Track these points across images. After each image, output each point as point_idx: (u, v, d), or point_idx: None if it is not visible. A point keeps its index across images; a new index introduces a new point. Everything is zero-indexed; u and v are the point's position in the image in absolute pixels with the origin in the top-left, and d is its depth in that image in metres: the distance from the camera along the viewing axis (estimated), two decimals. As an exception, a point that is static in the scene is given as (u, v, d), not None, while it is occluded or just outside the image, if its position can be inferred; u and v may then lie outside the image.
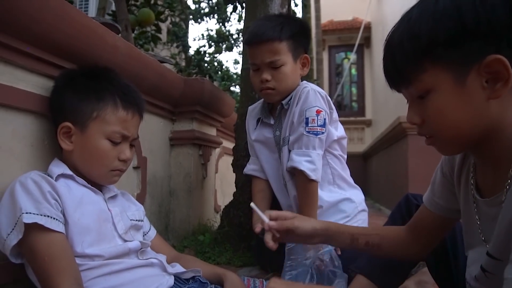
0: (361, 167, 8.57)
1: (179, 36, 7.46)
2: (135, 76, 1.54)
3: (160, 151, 1.98)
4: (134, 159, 1.70)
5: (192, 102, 2.05)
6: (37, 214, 0.88)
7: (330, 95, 9.67)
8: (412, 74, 0.73)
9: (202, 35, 9.33)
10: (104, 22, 1.68)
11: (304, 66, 1.55)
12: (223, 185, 2.87)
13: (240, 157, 1.94)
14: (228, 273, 1.14)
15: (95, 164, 1.06)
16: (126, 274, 0.97)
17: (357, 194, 1.61)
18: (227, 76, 8.23)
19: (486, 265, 0.73)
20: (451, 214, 0.94)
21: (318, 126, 1.44)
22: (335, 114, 1.55)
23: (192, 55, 7.92)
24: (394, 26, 0.75)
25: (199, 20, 8.96)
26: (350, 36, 10.06)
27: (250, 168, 1.70)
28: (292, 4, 4.83)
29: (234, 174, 2.02)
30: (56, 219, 0.90)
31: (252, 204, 0.99)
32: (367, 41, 10.09)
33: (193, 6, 9.00)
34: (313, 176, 1.42)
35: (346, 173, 1.60)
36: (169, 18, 6.82)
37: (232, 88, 8.71)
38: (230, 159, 2.09)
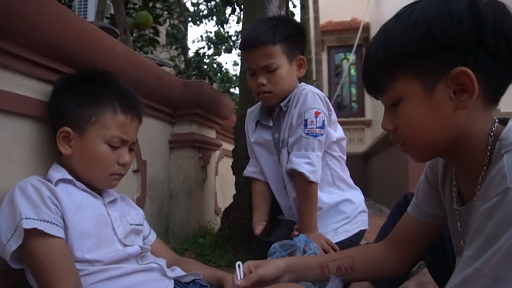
0: (361, 167, 8.57)
1: (178, 39, 7.46)
2: (134, 80, 1.54)
3: (159, 154, 1.98)
4: (134, 162, 1.70)
5: (191, 105, 2.06)
6: (37, 220, 0.88)
7: (330, 96, 9.70)
8: (384, 82, 0.77)
9: (201, 37, 9.32)
10: (102, 26, 1.68)
11: (301, 67, 1.55)
12: (223, 187, 2.87)
13: (240, 159, 1.94)
14: (228, 275, 1.14)
15: (95, 168, 1.06)
16: (125, 279, 0.97)
17: (357, 195, 1.61)
18: (226, 78, 8.22)
19: None
20: (436, 220, 0.95)
21: (317, 128, 1.44)
22: (334, 116, 1.55)
23: (191, 57, 7.91)
24: (373, 37, 0.80)
25: (198, 22, 8.95)
26: (349, 37, 10.06)
27: (249, 170, 1.70)
28: (290, 5, 4.85)
29: (234, 176, 2.02)
30: (56, 224, 0.90)
31: (237, 264, 0.97)
32: (366, 41, 10.08)
33: (191, 8, 8.99)
34: (312, 178, 1.42)
35: (345, 174, 1.60)
36: (167, 21, 6.82)
37: (231, 90, 8.70)
38: (230, 161, 2.09)
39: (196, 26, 9.03)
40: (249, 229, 1.71)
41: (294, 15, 4.94)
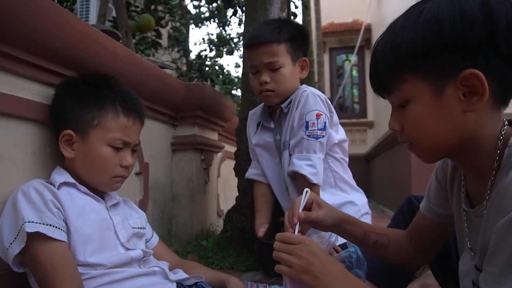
0: (363, 168, 8.55)
1: (180, 41, 7.48)
2: (136, 83, 1.54)
3: (162, 156, 1.98)
4: (136, 165, 1.70)
5: (193, 107, 2.06)
6: (39, 223, 0.88)
7: (332, 97, 9.70)
8: (392, 83, 0.75)
9: (203, 39, 9.33)
10: (104, 29, 1.69)
11: (303, 69, 1.56)
12: (225, 189, 2.87)
13: (242, 161, 1.94)
14: (231, 278, 1.14)
15: (97, 171, 1.06)
16: (128, 283, 0.97)
17: (360, 197, 1.60)
18: (228, 80, 8.23)
19: (476, 280, 0.73)
20: (448, 220, 0.94)
21: (318, 129, 1.43)
22: (335, 117, 1.55)
23: (193, 60, 7.93)
24: (381, 35, 0.77)
25: (199, 24, 8.98)
26: (351, 38, 10.05)
27: (251, 173, 1.70)
28: (292, 7, 4.85)
29: (237, 178, 2.01)
30: (59, 228, 0.90)
31: (305, 190, 0.97)
32: (367, 42, 10.09)
33: (193, 11, 9.02)
34: (314, 180, 1.41)
35: (348, 175, 1.60)
36: (169, 23, 6.84)
37: (233, 92, 8.71)
38: (232, 163, 2.09)
39: (198, 28, 9.05)
40: (252, 232, 1.70)
41: (296, 16, 4.94)
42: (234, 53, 9.06)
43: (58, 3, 3.65)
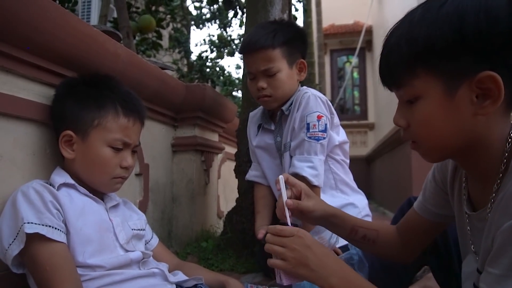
0: (364, 170, 8.55)
1: (181, 42, 7.48)
2: (137, 83, 1.54)
3: (162, 157, 1.98)
4: (136, 166, 1.69)
5: (194, 108, 2.06)
6: (39, 224, 0.88)
7: (332, 99, 9.70)
8: (403, 78, 0.72)
9: (204, 40, 9.30)
10: (105, 30, 1.69)
11: (301, 71, 1.55)
12: (226, 190, 2.87)
13: (243, 162, 1.94)
14: (231, 280, 1.14)
15: (97, 172, 1.06)
16: (127, 284, 0.97)
17: (360, 199, 1.60)
18: (229, 81, 8.23)
19: (477, 282, 0.72)
20: (444, 219, 0.94)
21: (319, 131, 1.43)
22: (336, 119, 1.55)
23: (194, 61, 7.93)
24: (396, 24, 0.74)
25: (200, 25, 8.98)
26: (352, 40, 10.06)
27: (252, 174, 1.70)
28: (293, 9, 4.85)
29: (237, 180, 2.01)
30: (58, 229, 0.90)
31: (280, 177, 0.96)
32: (368, 44, 10.09)
33: (194, 12, 9.03)
34: (315, 182, 1.41)
35: (349, 177, 1.60)
36: (170, 24, 6.84)
37: (234, 93, 8.71)
38: (232, 164, 2.09)
39: (199, 29, 9.06)
40: (252, 233, 1.70)
41: (296, 18, 4.94)
42: (235, 55, 9.05)
43: (60, 4, 3.65)
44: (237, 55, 9.23)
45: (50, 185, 0.99)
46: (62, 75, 1.16)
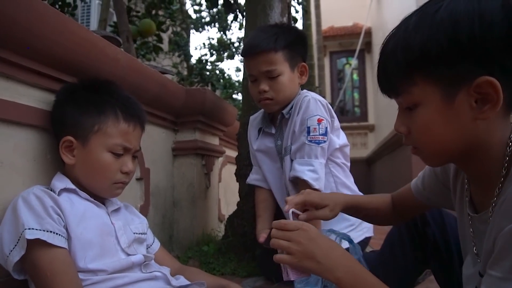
0: (365, 172, 8.55)
1: (181, 45, 7.49)
2: (137, 88, 1.54)
3: (163, 161, 1.98)
4: (137, 170, 1.69)
5: (194, 112, 2.06)
6: (40, 230, 0.87)
7: (332, 101, 9.70)
8: (401, 85, 0.72)
9: (204, 44, 9.36)
10: (105, 35, 1.69)
11: (302, 74, 1.55)
12: (226, 194, 2.86)
13: (243, 166, 1.94)
14: (232, 284, 1.13)
15: (98, 177, 1.06)
16: (129, 288, 0.97)
17: (361, 201, 1.59)
18: (229, 84, 8.24)
19: (479, 285, 0.73)
20: (438, 204, 0.98)
21: (319, 134, 1.43)
22: (336, 122, 1.55)
23: (194, 64, 7.95)
24: (392, 31, 0.73)
25: (200, 29, 9.01)
26: (351, 42, 10.08)
27: (252, 178, 1.70)
28: (293, 11, 4.86)
29: (238, 183, 2.01)
30: (59, 234, 0.90)
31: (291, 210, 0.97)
32: (368, 46, 10.11)
33: (194, 16, 9.06)
34: (316, 185, 1.41)
35: (349, 181, 1.59)
36: (170, 28, 6.86)
37: (234, 96, 8.73)
38: (233, 167, 2.09)
39: (199, 33, 9.07)
40: (253, 237, 1.70)
41: (296, 20, 4.95)
42: (235, 58, 9.08)
43: (59, 9, 3.66)
44: (237, 58, 9.26)
45: (51, 190, 0.99)
46: (62, 81, 1.17)
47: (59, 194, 0.98)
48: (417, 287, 1.28)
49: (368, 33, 9.61)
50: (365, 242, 1.54)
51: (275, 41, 1.45)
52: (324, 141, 1.44)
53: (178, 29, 7.63)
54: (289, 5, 2.13)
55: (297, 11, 5.33)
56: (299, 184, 1.46)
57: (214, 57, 9.00)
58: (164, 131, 2.00)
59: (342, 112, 10.77)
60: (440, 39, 0.65)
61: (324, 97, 1.59)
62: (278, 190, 1.61)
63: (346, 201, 1.07)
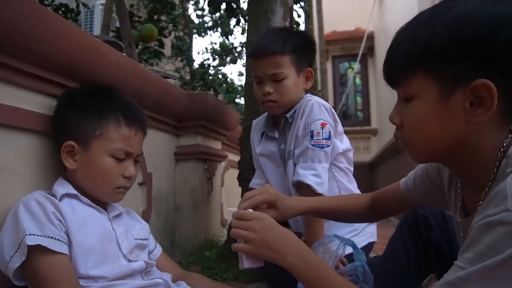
0: (368, 176, 8.52)
1: (183, 50, 7.51)
2: (139, 93, 1.54)
3: (165, 166, 1.97)
4: (139, 175, 1.69)
5: (196, 117, 2.05)
6: (41, 236, 0.87)
7: (335, 105, 9.69)
8: (402, 75, 0.73)
9: (206, 48, 9.35)
10: (107, 40, 1.69)
11: (308, 79, 1.55)
12: (229, 198, 2.85)
13: (246, 170, 1.93)
14: (234, 291, 1.12)
15: (99, 182, 1.05)
16: (130, 295, 0.96)
17: (364, 206, 1.58)
18: (231, 89, 8.26)
19: None
20: (425, 203, 0.98)
21: (323, 139, 1.42)
22: (340, 127, 1.54)
23: (196, 69, 7.97)
24: (405, 24, 0.75)
25: (202, 34, 9.03)
26: (353, 46, 10.08)
27: (255, 183, 1.68)
28: (295, 15, 4.86)
29: (240, 188, 2.00)
30: (60, 240, 0.89)
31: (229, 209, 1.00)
32: (370, 50, 10.11)
33: (196, 20, 9.09)
34: (319, 189, 1.40)
35: (353, 186, 1.58)
36: (172, 33, 6.88)
37: (237, 100, 8.74)
38: (236, 172, 2.08)
39: (201, 37, 9.10)
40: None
41: (299, 25, 4.95)
42: (237, 62, 9.09)
43: (63, 15, 3.68)
44: (240, 62, 9.27)
45: (52, 195, 0.98)
46: (63, 86, 1.16)
47: (60, 200, 0.98)
48: (422, 293, 1.27)
49: (371, 37, 9.61)
50: (368, 247, 1.53)
51: (284, 44, 1.44)
52: (328, 146, 1.44)
53: (181, 34, 7.65)
54: (291, 10, 2.13)
55: (299, 16, 5.33)
56: (302, 188, 1.45)
57: (217, 61, 9.02)
58: (166, 135, 1.99)
59: (345, 116, 10.76)
60: (446, 35, 0.65)
61: (326, 101, 1.59)
62: (281, 194, 1.59)
63: (310, 206, 1.10)
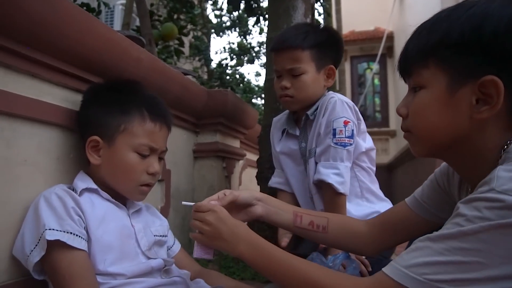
0: (386, 178, 8.41)
1: (201, 50, 7.55)
2: (159, 89, 1.53)
3: (183, 163, 1.97)
4: (158, 172, 1.69)
5: (215, 114, 2.04)
6: (60, 231, 0.86)
7: (353, 106, 9.60)
8: (415, 65, 0.74)
9: (224, 48, 9.37)
10: (128, 35, 1.69)
11: (329, 77, 1.51)
12: (246, 197, 2.83)
13: (264, 169, 1.91)
14: (253, 290, 1.10)
15: (123, 178, 1.04)
16: (148, 292, 0.95)
17: (386, 207, 1.54)
18: (248, 89, 8.26)
19: None
20: (434, 218, 0.93)
21: (346, 137, 1.39)
22: (363, 125, 1.50)
23: (214, 68, 8.00)
24: (430, 18, 0.76)
25: (220, 33, 9.07)
26: (372, 46, 9.97)
27: (274, 181, 1.66)
28: (316, 14, 4.82)
29: (259, 187, 1.98)
30: (79, 236, 0.89)
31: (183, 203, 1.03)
32: (389, 50, 9.98)
33: (214, 20, 9.12)
34: (341, 189, 1.36)
35: (375, 186, 1.54)
36: (191, 32, 6.92)
37: (253, 101, 8.74)
38: (253, 171, 2.06)
39: (219, 37, 9.13)
40: (275, 241, 1.65)
41: (319, 23, 4.91)
42: (254, 62, 9.10)
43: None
44: (257, 62, 9.27)
45: (73, 189, 0.98)
46: (86, 80, 1.16)
47: (80, 194, 0.97)
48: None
49: (390, 37, 9.48)
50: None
51: (304, 39, 1.42)
52: (350, 144, 1.40)
53: (199, 33, 7.69)
54: (312, 7, 2.10)
55: (319, 14, 5.29)
56: (323, 187, 1.42)
57: (234, 61, 9.04)
58: (185, 133, 1.99)
59: (363, 117, 10.61)
60: (464, 28, 0.67)
61: (349, 100, 1.55)
62: (301, 193, 1.57)
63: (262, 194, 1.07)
